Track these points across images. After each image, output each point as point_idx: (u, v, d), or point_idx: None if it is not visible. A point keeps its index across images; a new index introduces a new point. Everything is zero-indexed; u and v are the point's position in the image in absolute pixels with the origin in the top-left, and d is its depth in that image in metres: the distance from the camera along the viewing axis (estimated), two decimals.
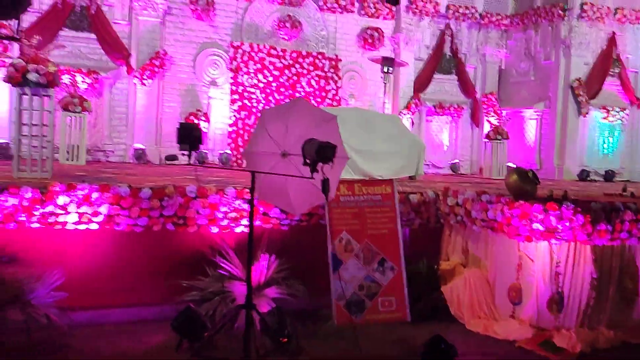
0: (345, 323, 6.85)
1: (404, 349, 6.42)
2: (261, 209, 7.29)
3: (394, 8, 18.82)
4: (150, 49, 15.99)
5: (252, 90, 17.13)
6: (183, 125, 6.10)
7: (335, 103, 17.93)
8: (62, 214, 6.37)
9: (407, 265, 7.43)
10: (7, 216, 6.20)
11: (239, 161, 16.69)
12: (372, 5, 18.59)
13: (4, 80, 7.76)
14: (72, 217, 6.44)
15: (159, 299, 6.64)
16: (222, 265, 6.79)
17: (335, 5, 18.15)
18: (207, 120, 16.87)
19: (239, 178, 9.13)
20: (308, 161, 4.94)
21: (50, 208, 6.31)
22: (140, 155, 15.76)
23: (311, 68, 17.72)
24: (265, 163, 5.53)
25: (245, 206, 7.08)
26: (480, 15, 19.75)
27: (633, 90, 19.57)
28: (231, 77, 16.96)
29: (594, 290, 7.01)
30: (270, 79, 17.28)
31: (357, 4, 18.44)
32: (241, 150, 16.81)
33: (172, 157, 16.37)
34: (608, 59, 18.99)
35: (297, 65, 17.53)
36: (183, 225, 6.94)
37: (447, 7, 19.34)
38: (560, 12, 18.56)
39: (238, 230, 7.20)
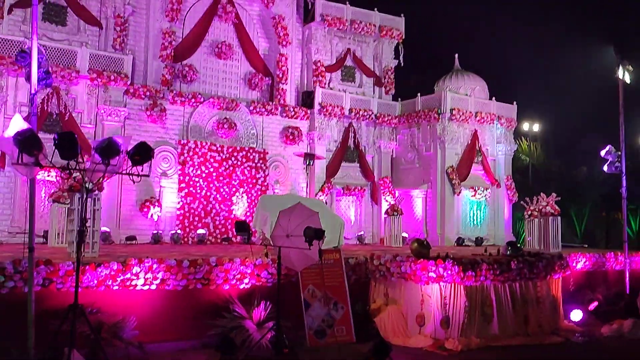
0: (314, 344, 10.49)
1: (356, 355, 10.10)
2: (255, 272, 10.87)
3: (309, 111, 23.17)
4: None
5: (197, 179, 20.59)
6: (238, 222, 9.53)
7: (263, 188, 21.67)
8: (134, 279, 9.56)
9: (352, 306, 11.23)
10: (100, 282, 9.31)
11: (186, 239, 19.81)
12: (292, 108, 22.85)
13: (67, 190, 10.89)
14: (141, 281, 9.64)
15: (196, 334, 9.89)
16: (235, 309, 10.23)
17: (263, 109, 22.21)
18: (159, 205, 19.86)
19: (219, 252, 12.63)
20: (308, 239, 8.73)
21: (127, 275, 9.49)
22: (106, 237, 18.36)
23: (244, 160, 21.50)
24: (279, 240, 9.25)
25: (248, 270, 10.67)
26: (375, 116, 24.52)
27: (493, 173, 24.91)
28: (179, 169, 20.32)
29: (467, 313, 11.21)
30: (212, 169, 20.85)
31: (279, 108, 22.61)
32: (186, 230, 20.01)
33: (132, 238, 19.92)
34: (473, 150, 24.26)
35: (233, 158, 21.26)
36: (207, 284, 10.33)
37: (350, 110, 23.89)
38: (435, 115, 23.77)
39: (242, 286, 10.70)
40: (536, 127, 33.98)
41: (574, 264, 16.14)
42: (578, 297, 15.31)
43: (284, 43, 23.03)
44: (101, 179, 8.01)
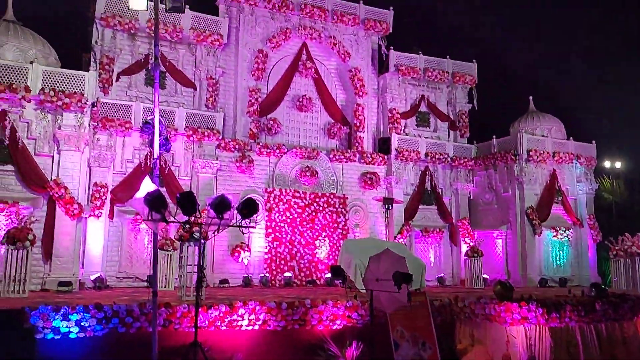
0: None
1: None
2: (347, 313, 11.70)
3: (386, 156, 24.06)
4: (208, 197, 20.58)
5: (282, 224, 21.79)
6: (333, 267, 10.49)
7: (344, 232, 22.56)
8: (240, 319, 10.65)
9: (439, 346, 11.79)
10: (210, 323, 10.45)
11: (274, 281, 20.90)
12: (369, 155, 23.82)
13: (176, 239, 12.24)
14: (245, 322, 10.71)
15: None
16: (330, 348, 11.08)
17: (342, 156, 23.30)
18: (249, 250, 21.11)
19: (307, 294, 13.57)
20: (397, 283, 9.50)
21: (234, 316, 10.59)
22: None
23: (325, 205, 22.56)
24: (370, 284, 10.09)
25: (340, 312, 11.53)
26: (451, 158, 25.10)
27: (574, 213, 24.74)
28: (266, 216, 21.61)
29: (553, 354, 11.51)
30: (295, 215, 22.02)
31: (357, 155, 23.64)
32: (274, 273, 21.11)
33: (224, 281, 21.07)
34: (552, 190, 24.26)
35: (315, 204, 22.38)
36: (303, 325, 11.26)
37: (426, 154, 24.59)
38: (512, 156, 24.06)
39: (334, 327, 11.56)
40: (618, 165, 33.26)
41: None
42: None
43: (361, 93, 24.23)
44: (216, 232, 9.16)
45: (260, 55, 22.53)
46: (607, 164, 32.40)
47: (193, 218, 10.56)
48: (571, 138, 25.18)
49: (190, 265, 12.29)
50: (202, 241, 11.21)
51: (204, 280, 10.39)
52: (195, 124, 20.46)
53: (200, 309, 10.41)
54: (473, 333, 12.35)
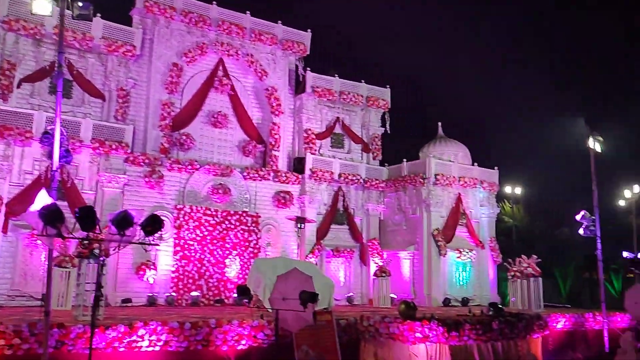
0: None
1: None
2: (252, 333, 11.54)
3: (300, 176, 24.18)
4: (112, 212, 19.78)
5: (191, 242, 21.30)
6: (240, 287, 10.30)
7: (255, 250, 22.38)
8: (140, 340, 10.21)
9: None
10: (108, 344, 9.95)
11: (181, 301, 20.32)
12: (284, 174, 23.86)
13: (75, 256, 11.65)
14: (145, 343, 10.28)
15: None
16: None
17: (256, 175, 23.19)
18: (155, 268, 20.43)
19: (214, 314, 13.27)
20: (303, 302, 9.49)
21: (134, 337, 10.14)
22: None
23: (237, 223, 22.30)
24: (276, 303, 10.01)
25: (245, 332, 11.34)
26: (363, 180, 25.60)
27: (477, 235, 25.84)
28: (175, 233, 21.06)
29: None
30: (206, 233, 21.60)
31: (272, 174, 23.61)
32: (181, 292, 20.54)
33: (127, 300, 20.47)
34: (457, 213, 25.22)
35: (227, 222, 22.07)
36: (207, 345, 10.98)
37: (340, 175, 24.96)
38: (421, 179, 24.84)
39: (239, 347, 11.35)
40: (518, 190, 35.19)
41: (554, 324, 16.87)
42: (559, 355, 15.99)
43: (277, 112, 24.31)
44: (117, 249, 8.79)
45: (175, 68, 22.13)
46: (508, 189, 34.19)
47: (93, 234, 10.10)
48: (476, 164, 26.39)
49: (89, 283, 11.68)
50: (102, 258, 10.73)
51: (102, 299, 9.89)
52: (103, 136, 19.71)
53: (96, 330, 9.94)
54: (377, 352, 12.53)
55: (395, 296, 22.60)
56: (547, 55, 48.58)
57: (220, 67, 23.38)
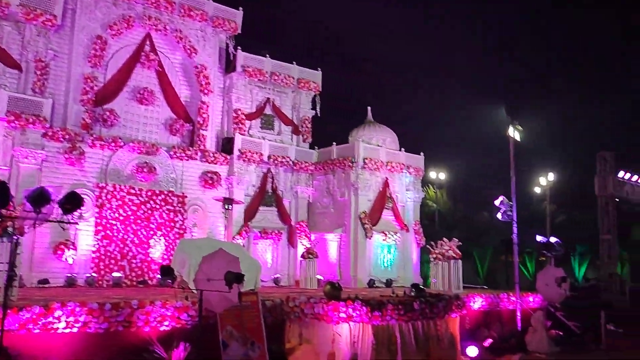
0: None
1: None
2: (176, 314, 11.35)
3: (228, 156, 23.88)
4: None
5: (114, 222, 20.63)
6: (163, 267, 10.07)
7: (181, 231, 21.97)
8: (56, 322, 9.80)
9: (268, 345, 11.90)
10: (21, 326, 9.49)
11: (102, 282, 19.72)
12: (212, 154, 23.49)
13: None
14: (62, 324, 9.89)
15: None
16: (155, 350, 10.66)
17: (183, 154, 22.70)
18: (75, 247, 19.69)
19: (136, 295, 12.97)
20: (228, 283, 9.43)
21: (49, 319, 9.73)
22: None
23: (163, 204, 21.78)
24: (200, 283, 9.88)
25: (169, 312, 11.15)
26: (293, 162, 25.60)
27: (402, 219, 26.46)
28: (96, 212, 20.33)
29: (374, 351, 12.19)
30: (129, 213, 20.98)
31: (199, 153, 23.18)
32: (102, 272, 19.94)
33: (44, 281, 19.72)
34: (384, 197, 25.71)
35: (152, 202, 21.51)
36: (128, 327, 10.71)
37: (269, 156, 24.83)
38: (349, 163, 25.11)
39: (162, 328, 11.14)
40: (442, 176, 36.33)
41: (472, 304, 17.63)
42: (475, 334, 16.75)
43: (206, 91, 23.82)
44: (32, 227, 8.40)
45: (99, 41, 21.20)
46: (432, 174, 35.24)
47: (6, 211, 9.59)
48: (403, 149, 26.93)
49: (2, 263, 11.10)
50: (16, 237, 10.23)
51: (15, 279, 9.45)
52: (19, 108, 18.67)
53: (9, 311, 9.48)
54: (302, 332, 12.66)
55: (321, 278, 22.87)
56: (474, 45, 50.14)
57: (147, 42, 22.60)
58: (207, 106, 23.89)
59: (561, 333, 17.83)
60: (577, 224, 35.86)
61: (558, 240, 23.11)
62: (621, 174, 26.66)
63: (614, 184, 26.47)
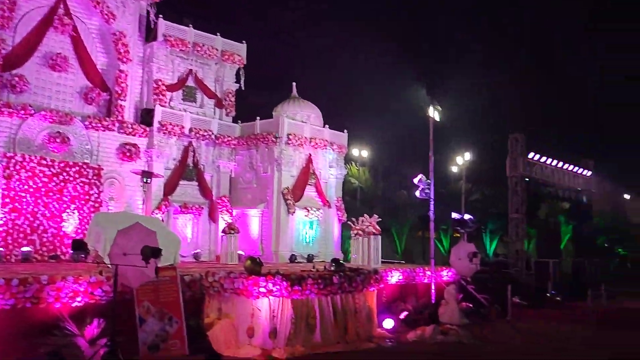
0: (147, 358, 10.88)
1: None
2: (89, 289, 10.96)
3: (147, 128, 23.14)
4: None
5: (23, 194, 19.58)
6: (75, 241, 9.64)
7: (97, 205, 21.15)
8: None
9: (185, 320, 11.77)
10: None
11: (9, 256, 18.73)
12: (130, 125, 22.67)
13: None
14: None
15: (25, 353, 9.75)
16: (67, 327, 10.27)
17: (99, 124, 21.77)
18: None
19: (47, 270, 12.45)
20: (145, 257, 9.19)
21: None
22: None
23: (77, 176, 20.86)
24: (116, 258, 9.56)
25: (82, 288, 10.75)
26: (215, 136, 25.18)
27: (325, 195, 26.75)
28: (3, 184, 19.21)
29: (293, 325, 12.32)
30: (40, 185, 19.96)
31: (117, 124, 22.31)
32: (9, 247, 18.96)
33: None
34: (307, 173, 25.84)
35: (65, 174, 20.54)
36: (37, 303, 10.24)
37: (190, 129, 24.28)
38: (273, 138, 25.01)
39: (74, 304, 10.73)
40: (365, 153, 36.92)
41: (389, 278, 18.16)
42: (391, 307, 17.30)
43: (124, 59, 22.84)
44: None
45: (7, 1, 19.78)
46: (355, 152, 35.74)
47: None
48: (327, 126, 27.09)
49: None
50: None
51: None
52: None
53: None
54: (221, 307, 12.59)
55: (243, 253, 22.80)
56: (396, 26, 50.91)
57: (62, 5, 21.29)
58: (126, 75, 22.96)
59: (471, 305, 18.73)
60: (490, 202, 37.68)
61: (471, 217, 24.23)
62: (532, 155, 28.01)
63: (524, 165, 27.77)
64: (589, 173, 32.55)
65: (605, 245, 42.16)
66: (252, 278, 12.20)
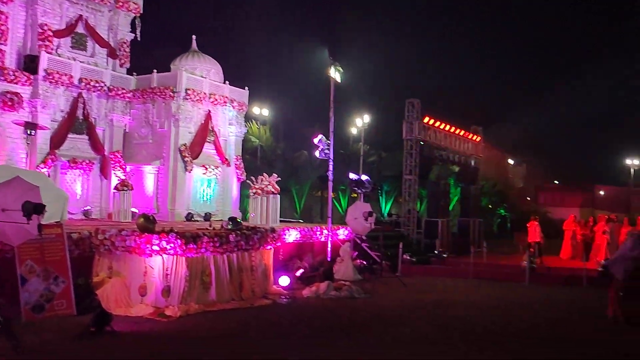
0: (31, 319, 10.36)
1: (76, 327, 10.26)
2: None
3: (32, 76, 21.48)
4: None
5: None
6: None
7: None
8: None
9: (73, 279, 11.27)
10: None
11: None
12: (11, 72, 20.91)
13: None
14: None
15: None
16: None
17: None
18: None
19: None
20: (27, 214, 8.63)
21: None
22: None
23: None
24: None
25: None
26: (108, 88, 23.82)
27: (224, 153, 26.33)
28: None
29: (187, 283, 12.19)
30: None
31: None
32: None
33: None
34: (206, 130, 25.21)
35: None
36: None
37: (80, 80, 22.79)
38: (171, 93, 24.06)
39: None
40: (266, 112, 36.66)
41: (286, 237, 18.37)
42: (288, 265, 17.57)
43: (4, 0, 20.92)
44: None
45: None
46: (256, 110, 35.39)
47: None
48: (227, 82, 26.48)
49: None
50: None
51: None
52: None
53: None
54: (112, 265, 12.19)
55: (137, 211, 22.02)
56: None
57: None
58: (7, 17, 21.03)
59: (365, 262, 19.44)
60: (386, 164, 38.91)
61: (368, 178, 24.91)
62: (427, 119, 29.04)
63: (419, 129, 28.77)
64: (478, 139, 34.34)
65: (489, 206, 44.99)
66: (145, 236, 11.85)
